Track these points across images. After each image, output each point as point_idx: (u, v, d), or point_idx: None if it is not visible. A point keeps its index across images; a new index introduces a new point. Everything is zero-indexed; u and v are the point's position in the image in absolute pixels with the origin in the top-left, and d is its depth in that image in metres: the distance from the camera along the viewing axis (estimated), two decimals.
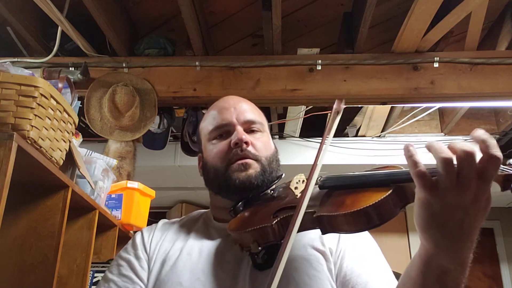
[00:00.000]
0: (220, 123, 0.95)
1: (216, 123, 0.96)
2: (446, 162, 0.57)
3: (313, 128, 3.61)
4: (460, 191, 0.57)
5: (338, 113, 0.83)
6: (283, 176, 0.96)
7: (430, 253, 0.63)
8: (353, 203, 0.67)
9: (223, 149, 0.93)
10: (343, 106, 0.86)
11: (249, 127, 0.96)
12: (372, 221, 0.64)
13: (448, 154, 0.57)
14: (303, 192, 0.71)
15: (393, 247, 4.49)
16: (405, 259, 4.38)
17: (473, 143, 0.58)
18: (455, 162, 0.57)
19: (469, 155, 0.57)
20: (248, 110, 0.98)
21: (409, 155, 0.60)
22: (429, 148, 0.60)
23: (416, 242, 4.51)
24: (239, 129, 0.93)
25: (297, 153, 3.62)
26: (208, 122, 0.99)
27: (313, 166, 0.75)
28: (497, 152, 0.56)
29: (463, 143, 0.58)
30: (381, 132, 3.66)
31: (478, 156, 0.57)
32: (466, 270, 0.63)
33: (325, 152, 0.76)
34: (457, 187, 0.57)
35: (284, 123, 3.54)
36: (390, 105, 3.18)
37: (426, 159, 0.61)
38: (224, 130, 0.95)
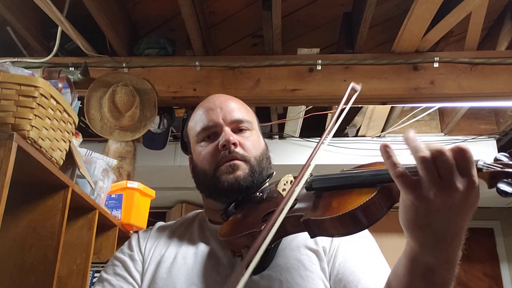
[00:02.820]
0: (207, 124, 0.94)
1: (203, 124, 0.95)
2: (424, 160, 0.55)
3: (313, 128, 3.61)
4: (446, 192, 0.55)
5: (352, 97, 0.81)
6: (274, 174, 0.95)
7: (415, 251, 0.62)
8: (339, 206, 0.65)
9: (211, 152, 0.91)
10: (359, 88, 0.84)
11: (237, 127, 0.94)
12: (360, 224, 0.63)
13: (426, 153, 0.56)
14: (287, 194, 0.69)
15: (393, 247, 4.47)
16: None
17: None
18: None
19: (442, 152, 0.55)
20: (235, 109, 0.96)
21: (387, 157, 0.58)
22: (407, 142, 0.58)
23: None
24: (227, 130, 0.91)
25: (297, 153, 3.62)
26: (195, 123, 0.97)
27: (303, 168, 0.73)
28: (459, 144, 0.55)
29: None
30: (381, 132, 3.66)
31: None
32: (454, 268, 0.62)
33: (317, 155, 0.74)
34: (442, 188, 0.55)
35: (284, 123, 3.53)
36: (390, 105, 3.18)
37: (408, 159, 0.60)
38: (211, 132, 0.94)
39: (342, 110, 0.82)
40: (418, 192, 0.56)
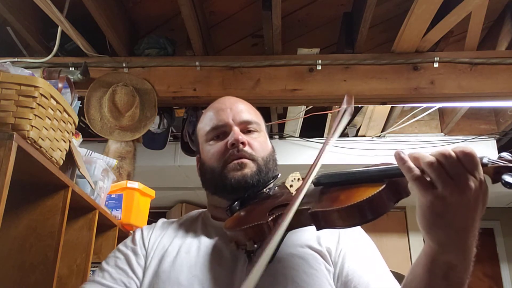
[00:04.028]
0: (217, 124, 0.96)
1: (212, 124, 0.97)
2: (431, 164, 0.60)
3: (313, 128, 3.61)
4: (459, 191, 0.59)
5: (347, 110, 0.84)
6: (279, 176, 0.96)
7: (436, 250, 0.65)
8: (347, 199, 0.68)
9: (219, 150, 0.93)
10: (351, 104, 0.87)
11: (246, 128, 0.97)
12: (365, 216, 0.66)
13: (430, 158, 0.61)
14: (299, 189, 0.71)
15: (393, 247, 4.48)
16: (405, 259, 4.38)
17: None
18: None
19: (448, 155, 0.60)
20: (244, 111, 0.99)
21: (403, 163, 0.63)
22: (413, 158, 0.63)
23: (416, 242, 4.51)
24: (236, 129, 0.94)
25: (297, 153, 3.62)
26: (205, 123, 1.00)
27: (313, 164, 0.75)
28: (462, 146, 0.60)
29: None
30: (381, 132, 3.66)
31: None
32: (471, 266, 0.66)
33: (326, 152, 0.76)
34: (455, 187, 0.59)
35: (284, 123, 3.53)
36: (390, 105, 3.18)
37: None
38: (220, 131, 0.96)
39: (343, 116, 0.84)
40: (436, 192, 0.60)
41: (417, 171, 0.61)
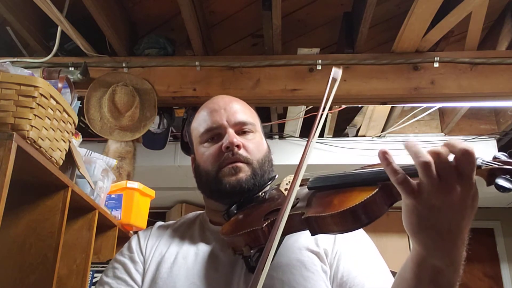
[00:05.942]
0: (211, 126, 0.94)
1: (206, 125, 0.95)
2: (426, 166, 0.56)
3: None
4: (444, 193, 0.57)
5: (335, 81, 0.81)
6: (276, 177, 0.95)
7: (422, 254, 0.63)
8: (340, 203, 0.66)
9: (214, 153, 0.92)
10: (340, 73, 0.82)
11: (241, 129, 0.94)
12: (360, 220, 0.64)
13: (427, 157, 0.57)
14: (288, 192, 0.70)
15: (393, 247, 4.48)
16: (405, 259, 4.37)
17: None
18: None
19: (442, 156, 0.57)
20: (239, 111, 0.96)
21: (387, 164, 0.59)
22: (407, 149, 0.58)
23: None
24: (230, 132, 0.92)
25: (297, 153, 3.61)
26: (198, 124, 0.98)
27: (299, 165, 0.73)
28: (466, 145, 0.56)
29: (435, 147, 0.58)
30: (381, 132, 3.65)
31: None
32: (460, 269, 0.63)
33: (312, 150, 0.74)
34: (440, 189, 0.57)
35: (284, 123, 3.53)
36: (390, 105, 3.18)
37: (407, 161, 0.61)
38: (215, 133, 0.94)
39: (328, 99, 0.81)
40: (420, 196, 0.57)
41: (401, 173, 0.57)
